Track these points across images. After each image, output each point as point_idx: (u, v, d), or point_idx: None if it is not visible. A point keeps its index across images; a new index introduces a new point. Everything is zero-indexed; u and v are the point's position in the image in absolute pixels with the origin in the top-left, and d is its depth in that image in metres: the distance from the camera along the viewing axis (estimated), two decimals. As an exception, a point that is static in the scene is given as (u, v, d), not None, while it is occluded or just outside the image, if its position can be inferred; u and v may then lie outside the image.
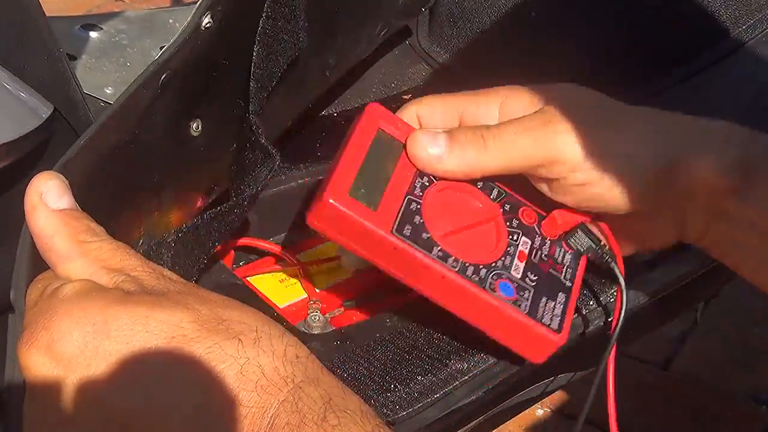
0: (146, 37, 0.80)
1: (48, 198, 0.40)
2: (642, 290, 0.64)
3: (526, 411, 0.70)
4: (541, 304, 0.53)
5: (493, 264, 0.53)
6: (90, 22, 0.81)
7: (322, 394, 0.39)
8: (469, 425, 0.64)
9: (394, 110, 0.84)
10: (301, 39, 0.59)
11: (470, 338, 0.59)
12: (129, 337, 0.38)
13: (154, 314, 0.38)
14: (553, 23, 0.81)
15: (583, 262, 0.57)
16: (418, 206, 0.53)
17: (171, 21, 0.83)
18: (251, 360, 0.38)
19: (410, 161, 0.54)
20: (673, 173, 0.52)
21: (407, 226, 0.51)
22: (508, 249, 0.55)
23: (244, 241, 0.67)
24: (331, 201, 0.50)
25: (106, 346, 0.38)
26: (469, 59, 0.85)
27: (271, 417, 0.38)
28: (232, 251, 0.65)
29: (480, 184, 0.56)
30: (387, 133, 0.55)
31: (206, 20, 0.48)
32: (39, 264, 0.41)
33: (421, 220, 0.52)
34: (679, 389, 1.33)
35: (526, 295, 0.53)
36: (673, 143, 0.52)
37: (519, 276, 0.54)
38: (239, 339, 0.39)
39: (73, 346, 0.38)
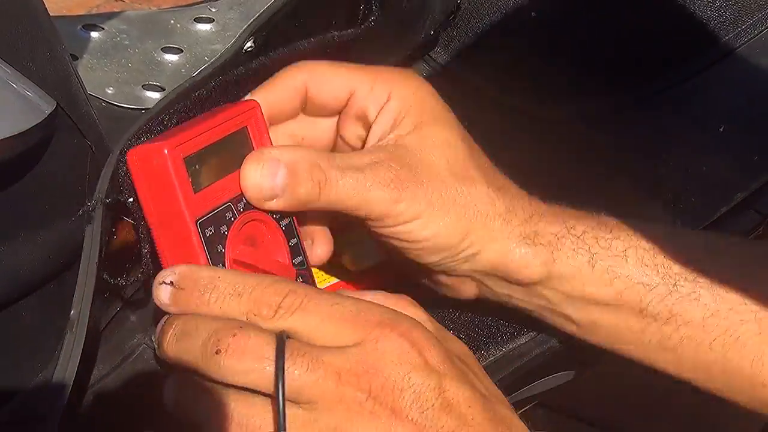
0: (147, 38, 0.80)
1: None
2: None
3: (526, 410, 0.70)
4: None
5: None
6: (91, 22, 0.81)
7: None
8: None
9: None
10: None
11: (469, 337, 0.59)
12: None
13: None
14: (553, 23, 0.81)
15: None
16: (232, 218, 0.50)
17: (172, 22, 0.83)
18: None
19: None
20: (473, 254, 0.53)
21: (211, 228, 0.48)
22: None
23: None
24: (165, 152, 0.46)
25: None
26: (469, 59, 0.85)
27: None
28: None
29: (293, 241, 0.53)
30: (248, 136, 0.51)
31: (249, 44, 0.49)
32: None
33: (226, 232, 0.49)
34: (679, 389, 1.33)
35: None
36: (477, 231, 0.53)
37: None
38: None
39: None
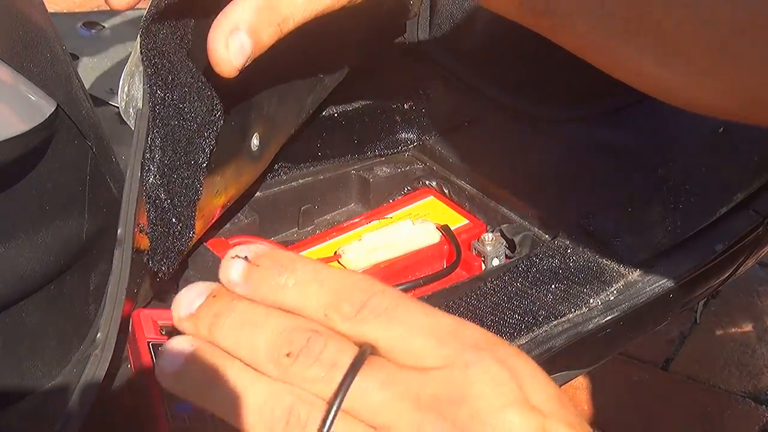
0: (147, 37, 0.80)
1: None
2: (641, 289, 0.64)
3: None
4: None
5: None
6: (92, 20, 0.81)
7: None
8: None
9: (395, 113, 0.85)
10: None
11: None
12: None
13: None
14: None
15: None
16: None
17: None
18: None
19: None
20: None
21: None
22: None
23: (245, 240, 0.67)
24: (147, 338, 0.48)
25: None
26: (469, 59, 0.85)
27: None
28: (234, 250, 0.66)
29: None
30: None
31: None
32: None
33: None
34: (679, 389, 1.33)
35: None
36: None
37: None
38: None
39: None
